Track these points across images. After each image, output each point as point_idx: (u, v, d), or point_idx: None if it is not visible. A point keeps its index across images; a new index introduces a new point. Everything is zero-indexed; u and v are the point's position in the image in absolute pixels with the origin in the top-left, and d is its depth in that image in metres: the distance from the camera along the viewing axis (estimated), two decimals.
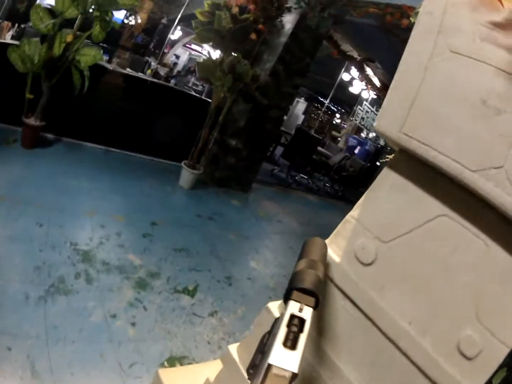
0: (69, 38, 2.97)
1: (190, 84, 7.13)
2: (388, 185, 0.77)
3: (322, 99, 11.32)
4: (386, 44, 3.88)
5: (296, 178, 6.62)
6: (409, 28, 3.10)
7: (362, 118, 9.36)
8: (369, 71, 5.85)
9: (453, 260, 0.67)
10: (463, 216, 0.67)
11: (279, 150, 7.30)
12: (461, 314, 0.65)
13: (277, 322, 0.46)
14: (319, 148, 7.23)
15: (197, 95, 4.94)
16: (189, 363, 1.94)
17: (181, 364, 1.91)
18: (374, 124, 0.77)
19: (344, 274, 0.78)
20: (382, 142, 10.06)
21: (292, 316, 0.42)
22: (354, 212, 0.83)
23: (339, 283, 0.79)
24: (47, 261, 2.10)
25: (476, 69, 0.63)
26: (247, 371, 0.45)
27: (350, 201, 7.94)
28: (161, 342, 1.99)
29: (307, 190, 6.79)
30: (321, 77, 8.73)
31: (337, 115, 11.48)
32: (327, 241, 0.87)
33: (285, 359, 0.37)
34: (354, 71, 6.52)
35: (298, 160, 6.19)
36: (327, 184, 7.30)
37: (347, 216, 0.85)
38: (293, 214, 5.41)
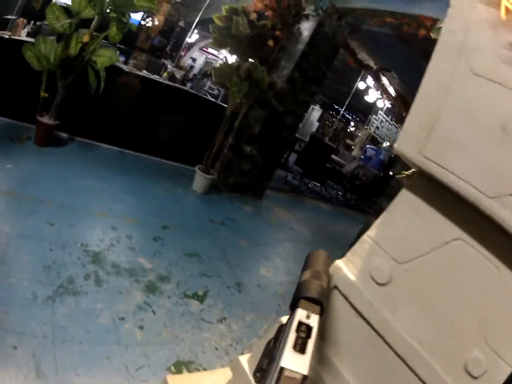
0: (86, 39, 3.00)
1: (206, 88, 7.16)
2: (406, 207, 0.78)
3: (337, 107, 11.27)
4: (402, 53, 3.84)
5: (309, 185, 6.56)
6: (426, 38, 3.06)
7: (377, 128, 9.29)
8: (384, 80, 5.80)
9: (465, 283, 0.68)
10: (477, 240, 0.68)
11: (293, 156, 7.28)
12: (470, 335, 0.66)
13: (281, 329, 0.48)
14: (333, 156, 7.17)
15: (213, 99, 4.95)
16: (196, 369, 1.90)
17: (188, 369, 1.87)
18: (395, 145, 0.76)
19: (359, 293, 0.79)
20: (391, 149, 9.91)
21: (300, 323, 0.44)
22: (371, 232, 0.83)
23: (353, 301, 0.80)
24: (57, 261, 2.10)
25: (496, 93, 0.62)
26: (254, 374, 0.49)
27: (363, 211, 7.83)
28: (168, 347, 1.96)
29: (320, 197, 6.72)
30: (337, 85, 8.72)
31: (352, 123, 11.40)
32: (343, 259, 0.88)
33: (295, 362, 0.39)
34: (369, 80, 6.47)
35: (311, 167, 6.14)
36: (339, 192, 7.22)
37: (364, 236, 0.86)
38: (305, 222, 5.34)
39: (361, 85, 7.19)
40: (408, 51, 3.54)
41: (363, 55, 4.88)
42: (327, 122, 11.26)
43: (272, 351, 0.47)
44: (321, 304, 0.49)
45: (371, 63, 5.14)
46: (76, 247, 2.31)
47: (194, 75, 7.65)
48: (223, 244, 3.46)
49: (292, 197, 6.08)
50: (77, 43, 3.04)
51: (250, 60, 3.66)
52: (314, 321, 0.45)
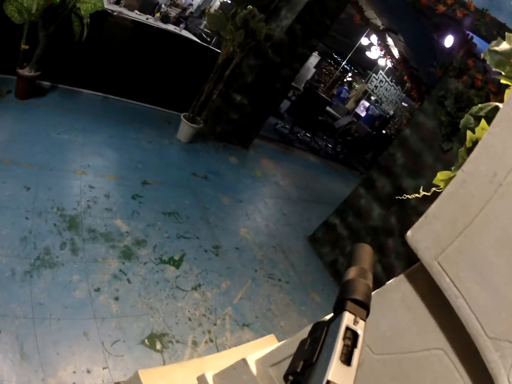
0: None
1: (201, 26, 6.57)
2: (399, 297, 0.74)
3: (336, 56, 10.63)
4: (413, 21, 3.54)
5: (299, 135, 6.45)
6: (445, 15, 2.82)
7: (375, 87, 8.95)
8: (390, 41, 5.40)
9: None
10: (458, 356, 0.65)
11: (285, 103, 7.03)
12: None
13: (318, 328, 0.46)
14: (327, 108, 6.95)
15: (205, 44, 4.56)
16: (169, 341, 2.08)
17: (161, 343, 2.04)
18: (408, 233, 0.67)
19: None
20: (391, 112, 9.72)
21: (347, 329, 0.42)
22: None
23: None
24: (33, 230, 2.11)
25: None
26: (285, 377, 0.46)
27: (351, 166, 7.89)
28: (143, 318, 2.10)
29: (309, 149, 6.67)
30: (338, 35, 8.22)
31: (349, 74, 10.87)
32: None
33: (342, 376, 0.37)
34: (373, 37, 6.01)
35: (303, 119, 5.98)
36: (329, 145, 7.17)
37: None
38: (291, 176, 5.38)
39: (364, 40, 6.71)
40: (421, 21, 3.28)
41: (370, 13, 4.45)
42: (324, 70, 10.67)
43: (309, 355, 0.44)
44: (368, 308, 0.45)
45: (378, 22, 4.72)
46: (53, 212, 2.32)
47: (191, 12, 6.90)
48: (204, 201, 3.51)
49: (281, 148, 6.01)
50: None
51: (249, 7, 3.30)
52: (361, 327, 0.42)
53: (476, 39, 2.93)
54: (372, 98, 9.71)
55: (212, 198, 3.66)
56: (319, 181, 6.10)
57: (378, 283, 2.45)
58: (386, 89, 9.10)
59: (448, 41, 3.64)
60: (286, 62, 4.14)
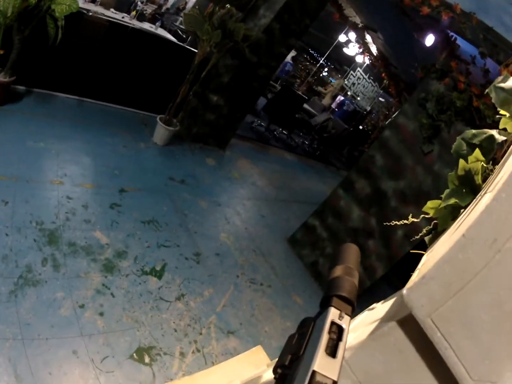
0: None
1: (177, 23, 6.55)
2: (391, 341, 0.80)
3: (312, 52, 10.85)
4: (393, 19, 3.73)
5: (276, 133, 6.63)
6: (430, 16, 2.99)
7: (353, 84, 9.28)
8: (368, 38, 5.64)
9: None
10: None
11: (261, 100, 7.15)
12: None
13: (306, 323, 0.50)
14: (304, 105, 7.17)
15: (181, 43, 4.61)
16: (157, 354, 2.21)
17: (149, 355, 2.17)
18: (404, 292, 0.72)
19: None
20: (368, 108, 10.11)
21: (331, 323, 0.45)
22: (347, 352, 0.86)
23: None
24: (14, 248, 2.16)
25: None
26: (274, 370, 0.49)
27: (329, 163, 8.18)
28: (129, 332, 2.22)
29: (285, 147, 6.88)
30: (315, 31, 8.42)
31: (325, 69, 11.14)
32: None
33: (327, 366, 0.40)
34: (352, 34, 6.25)
35: (280, 117, 6.16)
36: (305, 142, 7.41)
37: None
38: (269, 175, 5.56)
39: (342, 37, 6.95)
40: (401, 20, 3.46)
41: (350, 11, 4.64)
42: (300, 66, 10.89)
43: (296, 349, 0.48)
44: (353, 304, 0.49)
45: (357, 19, 4.92)
46: (32, 227, 2.37)
47: (167, 9, 6.85)
48: (182, 207, 3.62)
49: (257, 147, 6.17)
50: None
51: (227, 6, 3.39)
52: (346, 322, 0.45)
53: (460, 41, 3.08)
54: (349, 93, 10.04)
55: (190, 203, 3.77)
56: (297, 180, 6.32)
57: (359, 284, 2.68)
58: (364, 86, 9.45)
59: (429, 40, 3.86)
60: (263, 62, 4.27)
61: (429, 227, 1.38)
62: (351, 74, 9.17)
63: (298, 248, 4.19)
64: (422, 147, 3.32)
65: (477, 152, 0.97)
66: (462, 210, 1.02)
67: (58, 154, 3.12)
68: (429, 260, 0.80)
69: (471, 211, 0.80)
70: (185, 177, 4.05)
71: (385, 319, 0.88)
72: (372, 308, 1.35)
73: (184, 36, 6.29)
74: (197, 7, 3.65)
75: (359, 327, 1.07)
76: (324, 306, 0.49)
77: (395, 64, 6.04)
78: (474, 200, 0.93)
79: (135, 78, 4.28)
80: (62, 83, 3.93)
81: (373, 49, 6.11)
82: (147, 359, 2.12)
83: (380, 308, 1.20)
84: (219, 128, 4.71)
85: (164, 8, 6.66)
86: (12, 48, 3.09)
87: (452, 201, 0.97)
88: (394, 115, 8.96)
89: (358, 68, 9.04)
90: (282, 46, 4.25)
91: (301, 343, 0.47)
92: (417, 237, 1.59)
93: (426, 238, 1.33)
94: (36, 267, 2.17)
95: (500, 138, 0.96)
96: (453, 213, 1.02)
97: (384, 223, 1.55)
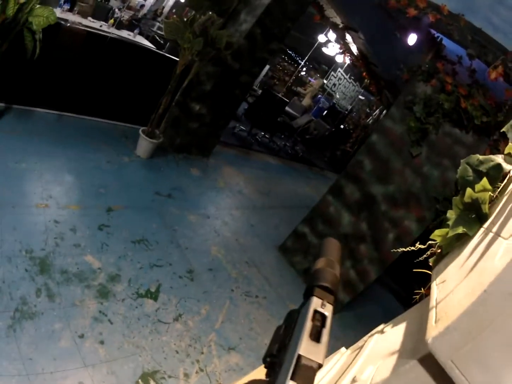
0: None
1: (155, 28, 6.56)
2: (414, 378, 0.87)
3: (290, 52, 11.03)
4: (375, 19, 3.87)
5: (258, 137, 6.74)
6: (416, 18, 3.11)
7: (334, 85, 9.50)
8: (348, 38, 5.81)
9: None
10: None
11: (242, 104, 7.25)
12: None
13: (292, 315, 0.55)
14: (286, 108, 7.31)
15: (161, 52, 4.62)
16: (162, 378, 2.26)
17: (154, 380, 2.22)
18: (429, 341, 0.81)
19: None
20: (349, 107, 10.37)
21: (315, 312, 0.49)
22: None
23: None
24: (6, 279, 2.16)
25: None
26: (264, 359, 0.54)
27: (311, 163, 8.35)
28: (132, 359, 2.26)
29: (268, 151, 6.99)
30: (292, 31, 8.60)
31: (304, 69, 11.35)
32: None
33: (312, 351, 0.44)
34: (331, 34, 6.42)
35: (261, 122, 6.27)
36: (287, 144, 7.55)
37: None
38: (254, 182, 5.66)
39: (321, 37, 7.12)
40: (383, 20, 3.59)
41: (330, 12, 4.79)
42: (278, 66, 11.06)
43: (283, 338, 0.52)
44: (335, 294, 0.53)
45: (337, 20, 5.07)
46: (22, 255, 2.36)
47: (144, 15, 6.83)
48: (171, 223, 3.66)
49: (240, 153, 6.26)
50: (15, 3, 2.73)
51: (208, 13, 3.45)
52: (328, 310, 0.49)
53: (446, 40, 3.19)
54: (331, 94, 10.26)
55: (179, 217, 3.82)
56: (282, 184, 6.44)
57: (353, 288, 2.87)
58: (345, 86, 9.68)
59: (412, 39, 4.01)
60: (245, 68, 4.35)
61: (433, 249, 1.45)
62: (332, 74, 9.39)
63: (290, 255, 4.30)
64: (410, 150, 3.47)
65: (485, 181, 1.01)
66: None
67: (41, 175, 3.10)
68: (447, 304, 0.89)
69: (484, 251, 0.90)
70: (171, 191, 4.09)
71: (405, 355, 0.97)
72: (382, 331, 1.45)
73: (161, 42, 6.31)
74: (174, 10, 3.68)
75: (376, 358, 1.15)
76: (307, 297, 0.53)
77: (375, 63, 6.24)
78: (484, 232, 1.00)
79: (114, 89, 4.28)
80: (41, 97, 3.90)
81: (354, 48, 6.29)
82: None
83: (392, 335, 1.31)
84: (202, 136, 4.77)
85: (141, 13, 6.64)
86: None
87: (460, 230, 1.02)
88: (374, 113, 9.25)
89: (339, 69, 9.26)
90: (264, 51, 4.34)
91: (287, 333, 0.51)
92: (409, 247, 1.65)
93: (431, 260, 1.39)
94: (31, 298, 2.18)
95: (508, 167, 1.00)
96: (459, 239, 1.08)
97: (392, 250, 1.65)
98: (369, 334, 1.67)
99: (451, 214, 1.16)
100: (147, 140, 4.03)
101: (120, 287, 2.65)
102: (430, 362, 0.84)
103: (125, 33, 5.07)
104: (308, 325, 0.47)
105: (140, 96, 4.48)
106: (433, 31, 3.09)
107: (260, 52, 4.32)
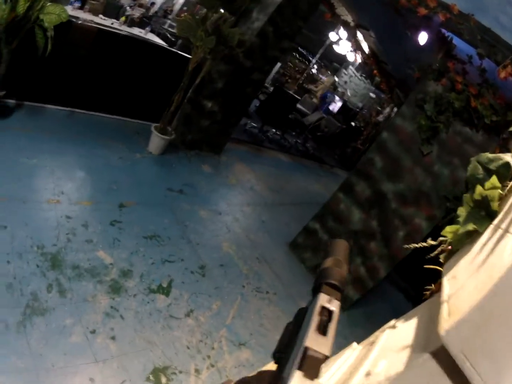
0: None
1: (166, 26, 6.53)
2: (427, 371, 0.87)
3: (301, 50, 10.88)
4: (385, 17, 3.76)
5: (269, 134, 6.65)
6: (426, 17, 3.02)
7: (345, 82, 9.36)
8: (359, 36, 5.68)
9: None
10: None
11: (253, 101, 7.17)
12: None
13: (301, 312, 0.56)
14: (297, 105, 7.21)
15: (173, 49, 4.57)
16: (173, 373, 2.20)
17: (166, 376, 2.16)
18: (442, 333, 0.83)
19: None
20: (360, 105, 10.21)
21: (322, 307, 0.50)
22: (386, 381, 0.93)
23: None
24: (17, 275, 2.12)
25: None
26: (273, 355, 0.55)
27: (322, 161, 8.23)
28: (143, 354, 2.20)
29: (279, 148, 6.90)
30: (304, 30, 8.51)
31: (315, 67, 11.21)
32: None
33: (319, 343, 0.45)
34: (342, 32, 6.29)
35: (273, 118, 6.19)
36: (298, 141, 7.46)
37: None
38: (265, 179, 5.57)
39: (332, 35, 6.99)
40: (393, 19, 3.49)
41: (342, 10, 4.67)
42: (289, 64, 10.92)
43: (292, 333, 0.54)
44: (342, 291, 0.54)
45: (348, 18, 4.96)
46: (33, 251, 2.32)
47: (155, 12, 6.79)
48: (183, 218, 3.60)
49: (252, 150, 6.18)
50: (25, 1, 2.69)
51: (220, 11, 3.37)
52: (335, 306, 0.51)
53: (456, 39, 3.12)
54: (340, 90, 10.13)
55: (190, 213, 3.76)
56: (292, 181, 6.34)
57: (362, 285, 2.77)
58: (356, 84, 9.55)
59: (422, 38, 3.90)
60: (257, 66, 4.27)
61: (444, 246, 1.39)
62: (344, 72, 9.25)
63: (300, 252, 4.22)
64: (421, 148, 3.37)
65: (494, 179, 1.01)
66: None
67: (52, 171, 3.07)
68: (458, 298, 0.89)
69: (493, 247, 0.90)
70: (183, 187, 4.03)
71: (417, 349, 0.96)
72: (394, 326, 1.39)
73: (173, 39, 6.26)
74: (185, 8, 3.61)
75: (389, 353, 1.13)
76: (315, 293, 0.54)
77: (386, 61, 6.11)
78: (493, 229, 1.00)
79: (126, 86, 4.24)
80: (53, 94, 3.86)
81: (365, 46, 6.17)
82: (163, 380, 2.11)
83: (403, 329, 1.27)
84: (213, 134, 4.70)
85: (151, 11, 6.61)
86: (0, 61, 3.04)
87: (471, 227, 1.02)
88: (385, 110, 9.07)
89: (350, 66, 9.12)
90: (275, 49, 4.25)
91: (296, 329, 0.52)
92: (416, 245, 1.64)
93: (441, 257, 1.37)
94: (42, 294, 2.13)
95: None
96: (469, 235, 1.08)
97: (404, 246, 1.61)
98: (380, 330, 1.61)
99: (461, 211, 1.18)
100: (159, 136, 3.97)
101: (132, 283, 2.60)
102: (441, 355, 0.84)
103: (136, 31, 5.02)
104: (316, 319, 0.48)
105: (152, 93, 4.43)
106: (443, 30, 2.99)
107: (272, 50, 4.23)
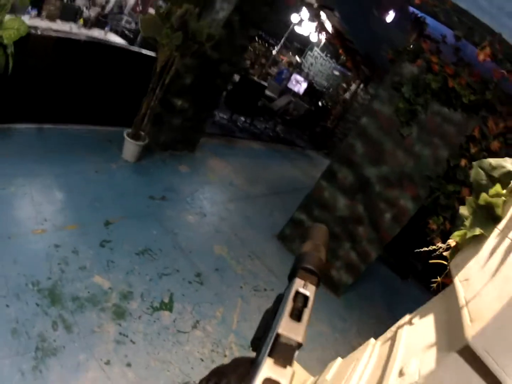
0: None
1: (123, 22, 6.18)
2: (456, 369, 0.98)
3: (261, 33, 10.69)
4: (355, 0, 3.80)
5: (238, 123, 6.63)
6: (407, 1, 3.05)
7: (311, 64, 9.34)
8: (322, 16, 5.66)
9: None
10: None
11: None
12: None
13: (279, 299, 0.55)
14: (266, 91, 7.18)
15: (136, 49, 4.35)
16: None
17: None
18: (470, 339, 0.94)
19: None
20: (326, 84, 10.28)
21: (297, 293, 0.50)
22: (421, 379, 1.03)
23: None
24: (20, 318, 2.06)
25: None
26: (252, 343, 0.55)
27: (293, 144, 8.32)
28: (161, 375, 2.23)
29: (250, 136, 6.90)
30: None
31: (275, 48, 11.11)
32: None
33: (292, 329, 0.44)
34: (304, 13, 6.22)
35: (241, 108, 6.15)
36: (267, 127, 7.48)
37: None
38: (241, 170, 5.59)
39: (294, 16, 6.91)
40: (364, 1, 3.53)
41: None
42: (250, 49, 10.73)
43: (269, 320, 0.52)
44: (318, 276, 0.54)
45: (312, 0, 4.92)
46: (29, 289, 2.25)
47: (111, 10, 6.36)
48: (170, 227, 3.57)
49: (223, 142, 6.14)
50: None
51: (184, 5, 3.25)
52: (311, 291, 0.50)
53: (428, 19, 3.17)
54: (305, 71, 10.12)
55: (177, 220, 3.74)
56: (268, 169, 6.40)
57: (355, 269, 2.97)
58: (321, 64, 9.57)
59: (390, 17, 3.99)
60: (225, 58, 4.19)
61: (448, 245, 1.49)
62: (309, 54, 9.24)
63: (289, 243, 4.32)
64: (400, 130, 3.48)
65: (498, 187, 1.10)
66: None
67: (31, 197, 2.93)
68: (478, 305, 1.00)
69: (504, 257, 1.02)
70: (164, 192, 3.97)
71: (444, 348, 1.06)
72: (411, 323, 1.50)
73: (131, 36, 5.98)
74: (139, 1, 3.45)
75: (416, 351, 1.22)
76: (291, 278, 0.54)
77: (351, 39, 6.18)
78: (500, 235, 1.10)
79: (92, 93, 4.05)
80: (17, 112, 3.65)
81: (328, 26, 6.18)
82: None
83: (422, 327, 1.38)
84: (186, 131, 4.62)
85: (107, 9, 6.24)
86: None
87: (478, 231, 1.12)
88: (351, 87, 9.22)
89: (315, 48, 9.12)
90: (243, 38, 4.18)
91: (273, 315, 0.53)
92: (430, 246, 1.73)
93: (447, 253, 1.48)
94: (49, 333, 2.09)
95: None
96: (475, 236, 1.19)
97: (418, 250, 1.73)
98: (396, 325, 1.73)
99: (464, 210, 1.30)
100: (133, 143, 3.86)
101: (135, 304, 2.59)
102: (467, 354, 0.95)
103: (96, 33, 4.77)
104: (290, 305, 0.48)
105: (119, 97, 4.26)
106: (416, 11, 3.05)
107: (239, 39, 4.16)
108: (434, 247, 1.61)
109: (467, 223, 1.23)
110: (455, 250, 1.43)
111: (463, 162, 3.23)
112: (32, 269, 2.39)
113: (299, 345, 0.44)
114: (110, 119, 4.36)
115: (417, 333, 1.41)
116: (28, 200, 2.88)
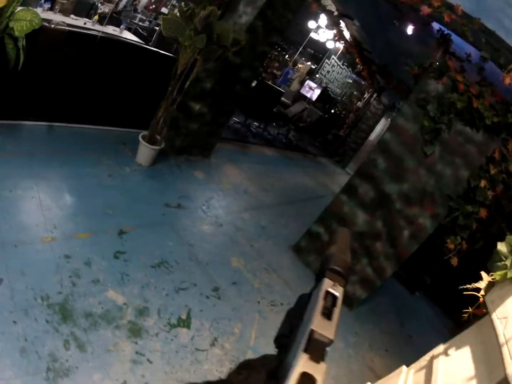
0: (2, 3, 2.28)
1: (136, 20, 6.10)
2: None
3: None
4: (370, 7, 3.69)
5: (252, 128, 6.52)
6: (432, 17, 2.97)
7: (328, 72, 9.26)
8: (342, 25, 5.57)
9: None
10: None
11: None
12: None
13: (302, 298, 0.57)
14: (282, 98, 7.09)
15: (154, 49, 4.23)
16: None
17: None
18: (510, 374, 1.05)
19: None
20: (340, 92, 10.18)
21: (326, 292, 0.51)
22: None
23: None
24: (28, 336, 1.89)
25: None
26: (275, 340, 0.56)
27: (305, 151, 8.21)
28: None
29: (264, 142, 6.80)
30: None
31: (294, 56, 11.07)
32: None
33: (324, 327, 0.46)
34: (323, 20, 6.11)
35: (257, 113, 6.05)
36: (280, 133, 7.39)
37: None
38: (256, 178, 5.45)
39: (310, 23, 6.81)
40: (378, 8, 3.44)
41: (326, 0, 4.53)
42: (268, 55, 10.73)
43: (294, 319, 0.54)
44: (345, 277, 0.56)
45: (333, 8, 4.82)
46: (38, 304, 2.08)
47: (124, 6, 6.29)
48: (186, 237, 3.41)
49: (238, 148, 6.02)
50: None
51: (208, 7, 3.11)
52: (339, 291, 0.52)
53: (453, 37, 3.10)
54: (318, 77, 10.03)
55: (192, 229, 3.58)
56: (282, 177, 6.27)
57: (370, 284, 2.82)
58: (338, 73, 9.48)
59: (410, 29, 3.91)
60: (246, 63, 4.06)
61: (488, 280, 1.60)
62: (326, 62, 9.15)
63: (304, 256, 4.17)
64: (424, 148, 3.39)
65: None
66: None
67: (40, 202, 2.77)
68: None
69: None
70: (179, 200, 3.82)
71: (483, 380, 1.18)
72: (446, 354, 1.60)
73: (145, 34, 5.87)
74: (177, 14, 3.29)
75: (457, 382, 1.35)
76: (319, 278, 0.55)
77: (368, 48, 6.08)
78: None
79: (106, 92, 3.91)
80: (28, 109, 3.50)
81: (346, 34, 6.09)
82: None
83: (459, 358, 1.48)
84: (202, 136, 4.48)
85: (120, 5, 6.16)
86: None
87: None
88: (365, 96, 9.10)
89: (333, 56, 9.03)
90: (265, 44, 4.05)
91: (299, 314, 0.54)
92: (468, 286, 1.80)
93: (482, 288, 1.65)
94: (60, 353, 1.92)
95: None
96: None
97: (460, 287, 1.88)
98: (430, 354, 1.78)
99: (502, 247, 1.40)
100: (149, 147, 3.72)
101: (151, 321, 2.42)
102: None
103: (110, 29, 4.65)
104: (320, 303, 0.49)
105: (134, 97, 4.13)
106: (443, 28, 2.97)
107: (261, 45, 4.03)
108: (475, 285, 1.71)
109: (507, 262, 1.33)
110: (490, 285, 1.53)
111: (482, 183, 3.17)
112: (41, 282, 2.22)
113: (331, 342, 0.45)
114: (124, 120, 4.21)
115: (455, 364, 1.48)
116: (36, 205, 2.72)
